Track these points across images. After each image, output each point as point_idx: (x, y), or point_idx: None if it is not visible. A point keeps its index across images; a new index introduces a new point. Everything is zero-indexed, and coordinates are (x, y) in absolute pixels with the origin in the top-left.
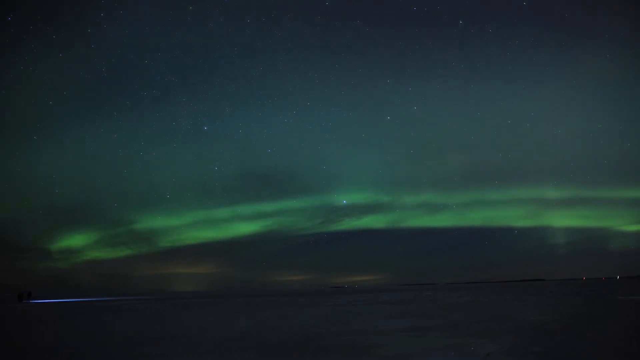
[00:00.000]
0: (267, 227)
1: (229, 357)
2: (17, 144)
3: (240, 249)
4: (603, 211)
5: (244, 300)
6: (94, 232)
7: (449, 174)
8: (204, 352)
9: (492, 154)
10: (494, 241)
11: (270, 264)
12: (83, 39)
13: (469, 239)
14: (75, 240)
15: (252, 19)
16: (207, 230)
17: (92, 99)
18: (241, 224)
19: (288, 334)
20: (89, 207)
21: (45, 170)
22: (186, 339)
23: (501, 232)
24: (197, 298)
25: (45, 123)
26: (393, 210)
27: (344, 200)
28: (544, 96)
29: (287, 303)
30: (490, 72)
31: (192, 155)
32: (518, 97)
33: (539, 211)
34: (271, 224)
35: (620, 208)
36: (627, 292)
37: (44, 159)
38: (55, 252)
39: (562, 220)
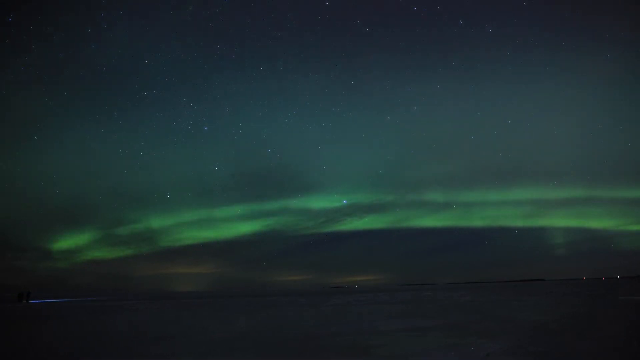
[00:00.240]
0: (267, 227)
1: (229, 357)
2: (17, 144)
3: (240, 249)
4: (603, 211)
5: (244, 300)
6: (94, 232)
7: (449, 174)
8: (204, 352)
9: (492, 154)
10: (494, 241)
11: (270, 264)
12: (83, 39)
13: (469, 239)
14: (75, 240)
15: (252, 19)
16: (207, 230)
17: (92, 99)
18: (241, 224)
19: (288, 334)
20: (89, 207)
21: (45, 170)
22: (186, 339)
23: (501, 232)
24: (197, 298)
25: (45, 123)
26: (393, 211)
27: (344, 200)
28: (544, 96)
29: (287, 303)
30: (490, 72)
31: (193, 155)
32: (518, 97)
33: (539, 211)
34: (271, 224)
35: (620, 208)
36: (627, 292)
37: (44, 158)
38: (56, 252)
39: (562, 220)
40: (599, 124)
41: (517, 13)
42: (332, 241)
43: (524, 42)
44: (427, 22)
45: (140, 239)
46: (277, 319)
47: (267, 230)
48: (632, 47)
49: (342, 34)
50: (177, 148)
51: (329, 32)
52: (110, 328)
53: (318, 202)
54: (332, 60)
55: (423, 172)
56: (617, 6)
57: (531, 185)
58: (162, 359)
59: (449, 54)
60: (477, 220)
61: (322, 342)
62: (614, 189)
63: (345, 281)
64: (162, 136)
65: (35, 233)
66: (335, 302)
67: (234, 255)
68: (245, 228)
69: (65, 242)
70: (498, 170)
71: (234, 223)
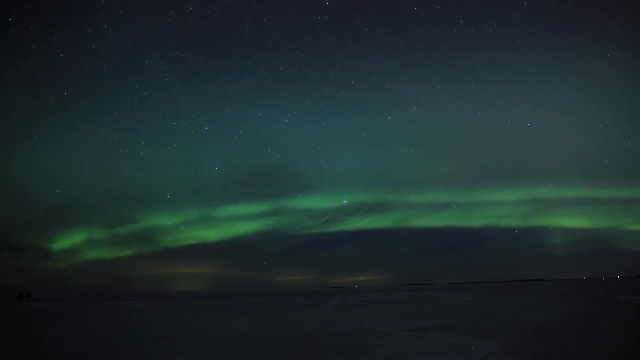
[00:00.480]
0: (267, 227)
1: (229, 357)
2: (17, 144)
3: (240, 249)
4: (603, 211)
5: (243, 300)
6: (94, 232)
7: (449, 174)
8: (204, 352)
9: (492, 154)
10: (494, 241)
11: (270, 264)
12: (83, 39)
13: (469, 239)
14: (75, 240)
15: (252, 19)
16: (207, 230)
17: (92, 99)
18: (241, 223)
19: (288, 334)
20: (89, 207)
21: (45, 170)
22: (186, 339)
23: (501, 232)
24: (197, 298)
25: (45, 123)
26: (393, 211)
27: (344, 200)
28: (545, 96)
29: (287, 303)
30: (490, 72)
31: (193, 156)
32: (518, 97)
33: (539, 211)
34: (271, 224)
35: (620, 208)
36: (627, 292)
37: (44, 158)
38: (56, 251)
39: (562, 220)
40: (599, 124)
41: (517, 13)
42: (332, 241)
43: (524, 42)
44: (427, 22)
45: (140, 239)
46: (277, 319)
47: (267, 230)
48: (632, 47)
49: (342, 34)
50: (178, 148)
51: (329, 32)
52: (111, 328)
53: (318, 202)
54: (332, 60)
55: (423, 172)
56: (617, 6)
57: (531, 185)
58: (163, 359)
59: (449, 54)
60: (477, 220)
61: (322, 342)
62: (614, 189)
63: (345, 281)
64: (162, 136)
65: (36, 233)
66: (335, 302)
67: (234, 255)
68: (246, 228)
69: (65, 242)
70: (498, 170)
71: (234, 223)
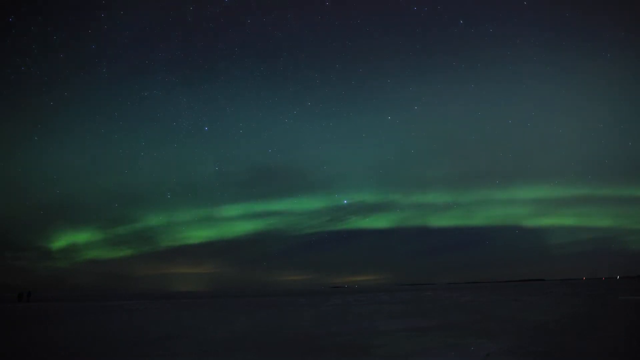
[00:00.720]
0: (267, 227)
1: (229, 357)
2: (17, 144)
3: (240, 249)
4: (603, 211)
5: (244, 300)
6: (95, 232)
7: (449, 174)
8: (204, 352)
9: (493, 153)
10: (494, 241)
11: (270, 264)
12: (84, 39)
13: (469, 238)
14: (76, 239)
15: (252, 19)
16: (207, 230)
17: (92, 99)
18: (241, 223)
19: (288, 334)
20: (89, 207)
21: (45, 170)
22: (186, 339)
23: (502, 232)
24: (197, 298)
25: (45, 123)
26: (393, 211)
27: (344, 200)
28: (545, 96)
29: (287, 303)
30: (490, 72)
31: (193, 156)
32: (519, 97)
33: (540, 211)
34: (271, 224)
35: (620, 208)
36: (627, 292)
37: (44, 158)
38: (56, 251)
39: (562, 220)
40: (599, 124)
41: (517, 13)
42: (331, 241)
43: (524, 42)
44: (427, 22)
45: (140, 238)
46: (277, 319)
47: (267, 231)
48: (632, 47)
49: (342, 34)
50: (178, 148)
51: (329, 32)
52: (111, 328)
53: (318, 202)
54: (332, 60)
55: (423, 172)
56: (617, 6)
57: (532, 185)
58: (163, 359)
59: (449, 54)
60: (477, 220)
61: (322, 342)
62: (615, 189)
63: (345, 281)
64: (162, 136)
65: (36, 233)
66: (335, 302)
67: (234, 255)
68: (246, 228)
69: (65, 242)
70: (499, 170)
71: (235, 223)
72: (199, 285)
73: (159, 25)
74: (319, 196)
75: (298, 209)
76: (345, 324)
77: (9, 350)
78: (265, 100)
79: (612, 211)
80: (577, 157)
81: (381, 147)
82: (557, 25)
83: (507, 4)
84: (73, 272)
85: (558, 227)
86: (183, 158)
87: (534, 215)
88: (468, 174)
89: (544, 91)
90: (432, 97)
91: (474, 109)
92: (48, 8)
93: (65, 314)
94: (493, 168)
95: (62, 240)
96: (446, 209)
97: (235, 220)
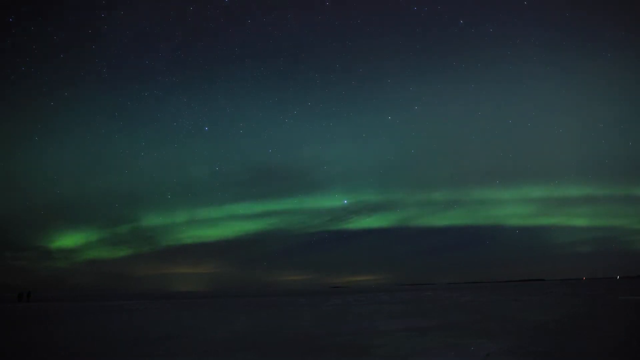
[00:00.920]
0: (268, 228)
1: (229, 357)
2: (18, 144)
3: (240, 249)
4: (604, 211)
5: (244, 300)
6: (95, 232)
7: (450, 174)
8: (204, 352)
9: (493, 153)
10: (494, 241)
11: (270, 264)
12: (84, 39)
13: (469, 238)
14: (76, 239)
15: (252, 19)
16: (207, 229)
17: (93, 99)
18: (242, 224)
19: (288, 334)
20: (89, 207)
21: (46, 170)
22: (186, 339)
23: (502, 232)
24: (197, 298)
25: (46, 123)
26: (393, 211)
27: (345, 200)
28: (545, 96)
29: (287, 303)
30: (490, 72)
31: (193, 156)
32: (519, 97)
33: (540, 211)
34: (272, 224)
35: (621, 208)
36: (627, 292)
37: (44, 158)
38: (56, 251)
39: (562, 220)
40: (599, 124)
41: (517, 13)
42: (331, 241)
43: (524, 42)
44: (428, 22)
45: (140, 238)
46: (277, 319)
47: (267, 230)
48: (632, 47)
49: (342, 34)
50: (178, 148)
51: (329, 32)
52: (111, 328)
53: (318, 202)
54: (332, 60)
55: (424, 172)
56: (617, 6)
57: (532, 184)
58: (163, 359)
59: (450, 54)
60: (477, 220)
61: (322, 342)
62: (615, 189)
63: (346, 281)
64: (163, 136)
65: (36, 233)
66: (335, 302)
67: (234, 255)
68: (246, 228)
69: (66, 242)
70: (499, 170)
71: (235, 223)
72: (199, 285)
73: (159, 25)
74: (319, 196)
75: (298, 209)
76: (345, 324)
77: (9, 350)
78: (265, 100)
79: (612, 211)
80: (577, 157)
81: (381, 147)
82: (557, 25)
83: (507, 4)
84: (73, 272)
85: (558, 227)
86: (183, 158)
87: (534, 215)
88: (468, 174)
89: (544, 91)
90: (432, 97)
91: (474, 109)
92: (48, 8)
93: (65, 314)
94: (493, 168)
95: (62, 240)
96: (446, 209)
97: (235, 220)
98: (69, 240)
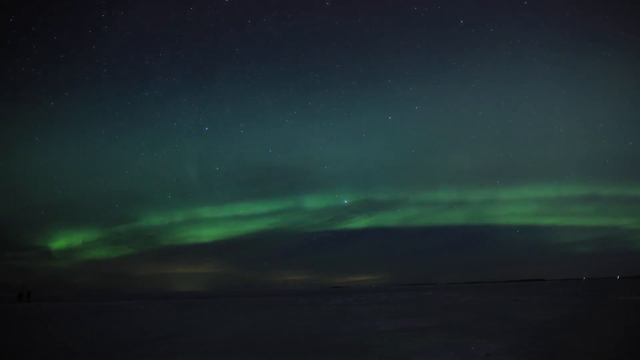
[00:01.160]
0: (268, 228)
1: (229, 357)
2: (18, 144)
3: (241, 249)
4: (604, 211)
5: (244, 300)
6: (95, 232)
7: (450, 174)
8: (204, 352)
9: (493, 153)
10: (494, 241)
11: (270, 264)
12: (84, 39)
13: (469, 238)
14: (76, 239)
15: (252, 19)
16: (207, 230)
17: (93, 99)
18: (242, 224)
19: (288, 333)
20: (89, 207)
21: (45, 170)
22: (186, 339)
23: (502, 232)
24: (197, 298)
25: (46, 123)
26: (393, 211)
27: (345, 200)
28: (545, 96)
29: (287, 303)
30: (490, 72)
31: (193, 156)
32: (519, 97)
33: (540, 211)
34: (272, 224)
35: (621, 207)
36: (627, 292)
37: (44, 159)
38: (56, 251)
39: (562, 219)
40: (599, 124)
41: (517, 13)
42: (332, 241)
43: (524, 42)
44: (428, 22)
45: (140, 238)
46: (277, 319)
47: (267, 231)
48: (632, 47)
49: (342, 34)
50: (179, 148)
51: (329, 32)
52: (111, 328)
53: (319, 202)
54: (332, 60)
55: (424, 172)
56: (617, 6)
57: (532, 184)
58: (163, 359)
59: (450, 53)
60: (477, 220)
61: (322, 342)
62: (615, 189)
63: (346, 281)
64: (163, 136)
65: (36, 233)
66: (335, 302)
67: (234, 255)
68: (246, 228)
69: (65, 242)
70: (499, 169)
71: (235, 223)
72: (199, 285)
73: (159, 25)
74: (319, 196)
75: (298, 209)
76: (345, 324)
77: (9, 350)
78: (265, 100)
79: (613, 211)
80: (578, 157)
81: (381, 147)
82: (557, 25)
83: (507, 4)
84: (73, 272)
85: (558, 226)
86: (183, 158)
87: (534, 215)
88: (468, 174)
89: (544, 91)
90: (432, 97)
91: (474, 108)
92: (48, 8)
93: (65, 314)
94: (493, 168)
95: (62, 240)
96: (446, 209)
97: (236, 220)
98: (69, 240)
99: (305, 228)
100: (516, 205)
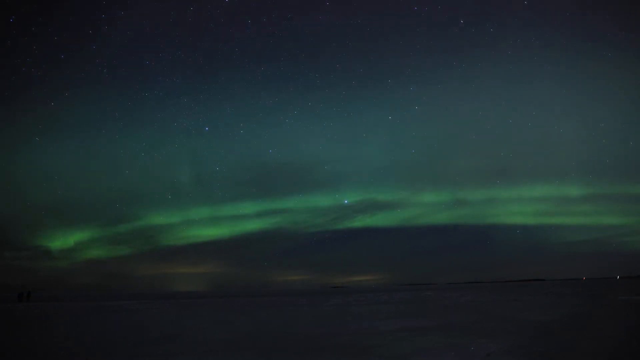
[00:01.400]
0: (268, 228)
1: (229, 357)
2: (18, 144)
3: (241, 248)
4: (604, 211)
5: (244, 300)
6: (95, 232)
7: (450, 174)
8: (204, 352)
9: (493, 153)
10: (495, 241)
11: (270, 264)
12: (84, 39)
13: (470, 238)
14: (76, 239)
15: (253, 19)
16: (207, 230)
17: (93, 99)
18: (242, 224)
19: (288, 333)
20: (90, 207)
21: (45, 170)
22: (186, 338)
23: (502, 232)
24: (197, 298)
25: (46, 124)
26: (394, 210)
27: (345, 200)
28: (545, 95)
29: (287, 303)
30: (490, 72)
31: (194, 156)
32: (519, 97)
33: (540, 211)
34: (272, 224)
35: (621, 207)
36: (627, 292)
37: (44, 159)
38: (56, 251)
39: (562, 219)
40: (600, 124)
41: (517, 13)
42: (332, 241)
43: (524, 42)
44: (428, 22)
45: (140, 238)
46: (277, 319)
47: (267, 230)
48: (632, 47)
49: (342, 34)
50: (179, 148)
51: (329, 32)
52: (111, 328)
53: (319, 202)
54: (332, 60)
55: (424, 171)
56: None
57: (532, 184)
58: (163, 359)
59: (450, 53)
60: (478, 220)
61: (322, 342)
62: (615, 189)
63: (346, 281)
64: (163, 137)
65: (36, 232)
66: (335, 302)
67: (234, 255)
68: (246, 228)
69: (66, 242)
70: (499, 169)
71: (235, 223)
72: (199, 285)
73: (159, 25)
74: (319, 196)
75: (298, 209)
76: (345, 324)
77: (9, 350)
78: (265, 100)
79: (613, 211)
80: (578, 156)
81: (382, 147)
82: (557, 25)
83: (507, 4)
84: (73, 272)
85: (558, 226)
86: (183, 158)
87: (535, 215)
88: (468, 174)
89: (544, 91)
90: (433, 97)
91: (474, 108)
92: (48, 8)
93: (65, 313)
94: (493, 168)
95: (62, 240)
96: (447, 208)
97: (235, 220)
98: (69, 240)
99: (305, 228)
100: (516, 205)
